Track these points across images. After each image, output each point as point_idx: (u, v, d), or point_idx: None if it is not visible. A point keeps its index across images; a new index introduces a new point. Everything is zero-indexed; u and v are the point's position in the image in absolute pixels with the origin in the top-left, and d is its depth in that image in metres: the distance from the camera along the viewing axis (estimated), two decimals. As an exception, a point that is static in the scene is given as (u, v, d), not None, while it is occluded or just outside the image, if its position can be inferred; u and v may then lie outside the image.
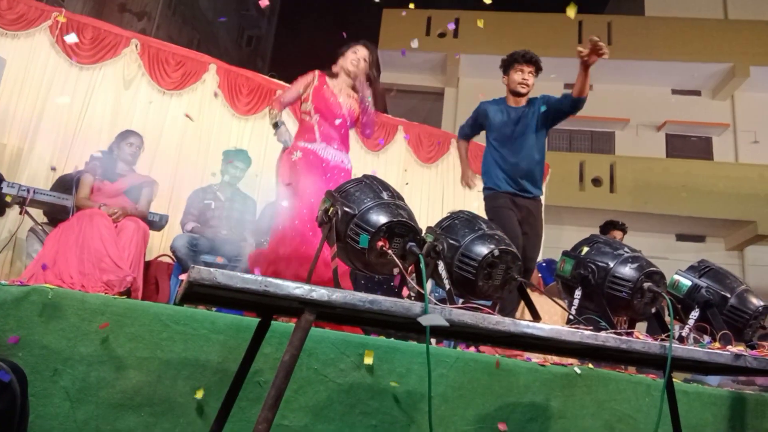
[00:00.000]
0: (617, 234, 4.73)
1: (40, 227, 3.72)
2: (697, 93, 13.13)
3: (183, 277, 1.17)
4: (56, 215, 3.67)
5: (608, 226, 4.91)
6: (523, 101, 3.33)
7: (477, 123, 3.46)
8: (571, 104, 3.18)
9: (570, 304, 1.62)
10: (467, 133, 3.58)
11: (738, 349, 1.54)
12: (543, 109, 3.25)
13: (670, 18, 12.91)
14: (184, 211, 4.11)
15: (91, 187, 3.64)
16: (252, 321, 1.71)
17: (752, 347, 1.64)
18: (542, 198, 3.40)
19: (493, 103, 3.40)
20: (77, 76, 4.87)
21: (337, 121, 3.04)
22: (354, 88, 3.14)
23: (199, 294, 1.24)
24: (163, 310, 1.71)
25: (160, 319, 1.69)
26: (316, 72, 3.13)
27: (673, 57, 12.34)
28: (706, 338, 1.71)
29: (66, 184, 3.84)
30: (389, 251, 1.26)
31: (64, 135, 4.76)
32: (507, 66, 3.36)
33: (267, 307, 1.38)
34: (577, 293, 1.59)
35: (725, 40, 12.21)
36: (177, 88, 5.21)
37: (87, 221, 3.24)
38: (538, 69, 3.33)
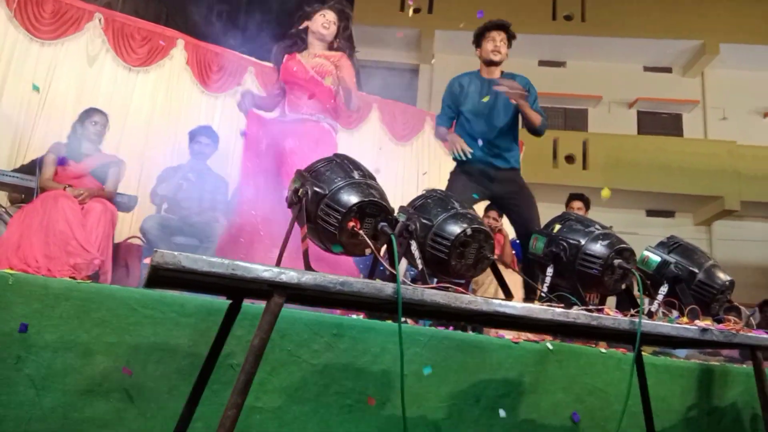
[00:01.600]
0: (576, 204, 4.77)
1: (3, 209, 3.60)
2: (668, 70, 13.30)
3: (148, 261, 1.14)
4: (23, 199, 3.56)
5: (569, 199, 4.98)
6: (497, 72, 3.22)
7: (453, 98, 3.29)
8: (530, 130, 3.19)
9: (542, 282, 1.63)
10: (449, 115, 3.32)
11: (705, 323, 1.57)
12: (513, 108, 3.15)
13: (643, -5, 12.98)
14: (152, 189, 4.01)
15: (56, 167, 3.52)
16: (223, 304, 1.68)
17: (719, 321, 1.67)
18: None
19: (464, 75, 3.32)
20: (38, 53, 4.68)
21: (307, 85, 2.96)
22: (331, 48, 3.08)
23: (166, 278, 1.20)
24: (131, 294, 1.66)
25: (127, 304, 1.64)
26: (274, 52, 3.09)
27: (645, 34, 12.45)
28: (675, 313, 1.74)
29: (30, 167, 3.72)
30: (361, 232, 1.24)
31: (27, 114, 4.59)
32: (478, 37, 3.27)
33: (236, 289, 1.36)
34: (549, 270, 1.60)
35: (696, 17, 12.35)
36: (144, 64, 5.05)
37: (51, 203, 3.14)
38: (510, 37, 3.24)
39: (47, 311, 1.58)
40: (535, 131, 3.13)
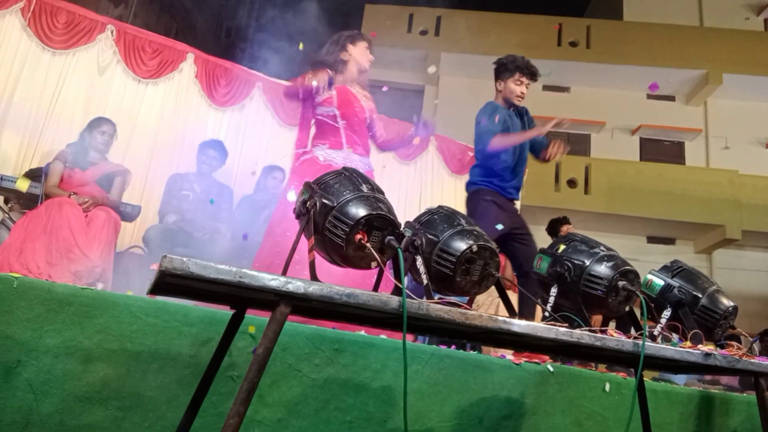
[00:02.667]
0: (566, 227, 4.86)
1: (7, 215, 3.61)
2: (672, 98, 13.41)
3: (155, 266, 1.14)
4: (29, 205, 3.57)
5: (557, 224, 5.03)
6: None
7: (502, 121, 3.21)
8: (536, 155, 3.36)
9: (546, 302, 1.62)
10: (496, 130, 3.19)
11: (708, 348, 1.56)
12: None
13: (648, 23, 13.16)
14: (162, 199, 4.03)
15: (61, 175, 3.54)
16: (225, 314, 1.68)
17: (722, 347, 1.67)
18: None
19: (499, 106, 3.25)
20: (49, 62, 4.74)
21: (361, 127, 2.95)
22: (362, 86, 3.05)
23: (171, 285, 1.21)
24: (133, 302, 1.66)
25: (129, 311, 1.64)
26: (328, 74, 2.85)
27: (649, 62, 12.58)
28: (676, 337, 1.74)
29: (36, 174, 3.74)
30: (367, 245, 1.24)
31: (35, 122, 4.62)
32: (505, 72, 3.21)
33: (241, 299, 1.36)
34: (553, 290, 1.60)
35: (700, 47, 12.50)
36: (153, 76, 5.11)
37: (56, 210, 3.16)
38: (531, 80, 3.27)
39: (50, 316, 1.57)
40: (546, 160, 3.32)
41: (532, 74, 3.17)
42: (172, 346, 1.66)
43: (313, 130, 2.99)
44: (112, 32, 4.98)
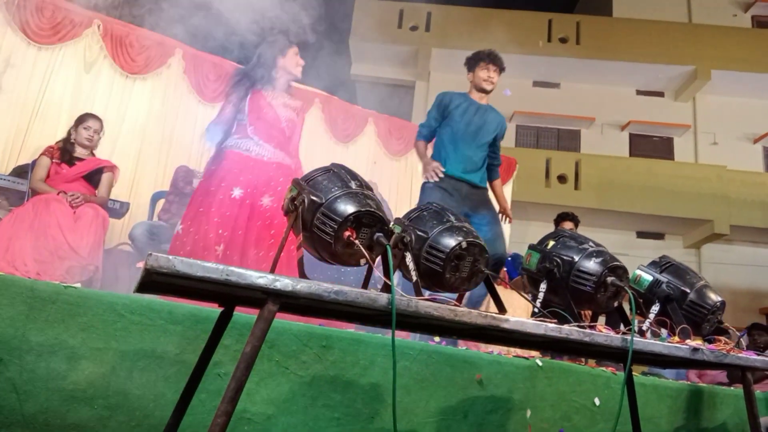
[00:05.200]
0: (567, 225, 4.82)
1: (-8, 212, 3.57)
2: (661, 94, 13.48)
3: (140, 264, 1.12)
4: (16, 202, 3.53)
5: (560, 218, 5.00)
6: (485, 99, 3.43)
7: (440, 110, 3.40)
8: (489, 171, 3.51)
9: (535, 298, 1.62)
10: (432, 126, 3.44)
11: (696, 343, 1.57)
12: (494, 135, 3.42)
13: (637, 20, 13.21)
14: (168, 190, 4.00)
15: (48, 170, 3.49)
16: (212, 312, 1.67)
17: (709, 341, 1.68)
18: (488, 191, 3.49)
19: (455, 93, 3.45)
20: (35, 57, 4.67)
21: (278, 132, 2.94)
22: (291, 91, 3.06)
23: (159, 283, 1.19)
24: (118, 300, 1.64)
25: (114, 309, 1.62)
26: (241, 90, 2.94)
27: (639, 58, 12.64)
28: (664, 332, 1.74)
29: (23, 171, 3.70)
30: (356, 241, 1.23)
31: (21, 118, 4.56)
32: (472, 63, 3.43)
33: (229, 297, 1.34)
34: (543, 286, 1.60)
35: (689, 43, 12.57)
36: (141, 72, 5.06)
37: (43, 207, 3.11)
38: (501, 69, 3.42)
39: (33, 314, 1.55)
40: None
41: (493, 59, 3.36)
42: (157, 344, 1.64)
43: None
44: (99, 27, 4.92)
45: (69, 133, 3.68)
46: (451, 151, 3.30)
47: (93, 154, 3.73)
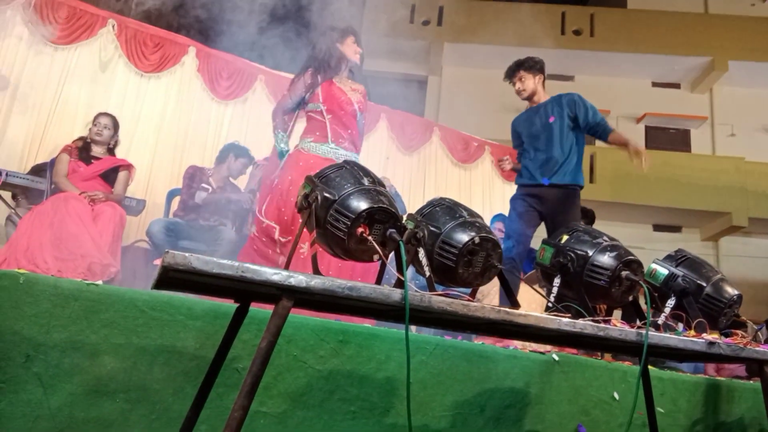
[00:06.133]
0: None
1: (14, 210, 3.64)
2: (677, 86, 13.30)
3: (157, 262, 1.15)
4: (35, 200, 3.59)
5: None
6: (539, 100, 3.49)
7: (515, 136, 3.62)
8: (599, 135, 3.50)
9: (549, 292, 1.63)
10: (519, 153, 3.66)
11: (712, 336, 1.56)
12: (568, 116, 3.43)
13: (652, 11, 13.02)
14: (182, 189, 4.06)
15: (68, 167, 3.55)
16: (230, 307, 1.69)
17: (726, 335, 1.67)
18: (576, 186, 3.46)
19: (520, 114, 3.59)
20: (52, 57, 4.75)
21: (349, 119, 3.02)
22: (353, 78, 3.15)
23: (175, 279, 1.21)
24: (139, 296, 1.67)
25: (135, 305, 1.65)
26: (311, 71, 3.03)
27: (654, 50, 12.47)
28: (680, 326, 1.74)
29: (41, 169, 3.76)
30: (369, 237, 1.24)
31: (38, 117, 4.64)
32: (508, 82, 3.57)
33: (245, 293, 1.37)
34: (556, 281, 1.60)
35: (705, 34, 12.37)
36: (155, 70, 5.11)
37: (62, 205, 3.17)
38: (526, 71, 3.45)
39: (57, 311, 1.59)
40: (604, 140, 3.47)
41: (510, 75, 3.51)
42: (177, 339, 1.67)
43: (303, 126, 3.10)
44: (113, 26, 4.98)
45: (88, 132, 3.75)
46: (528, 161, 3.43)
47: (110, 153, 3.79)
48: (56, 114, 4.71)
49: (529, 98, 3.49)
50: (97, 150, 3.70)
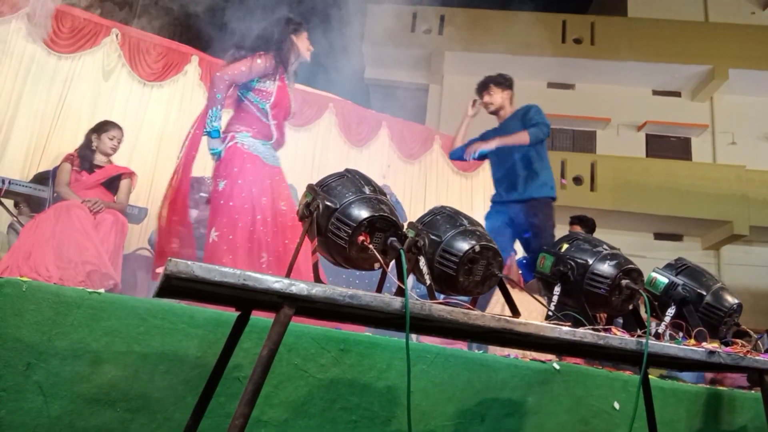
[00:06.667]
0: (576, 228, 4.79)
1: (16, 218, 3.65)
2: (677, 94, 13.35)
3: (160, 270, 1.15)
4: (38, 208, 3.60)
5: (570, 222, 4.96)
6: (506, 115, 3.54)
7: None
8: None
9: (549, 301, 1.63)
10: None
11: (713, 345, 1.57)
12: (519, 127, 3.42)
13: (653, 20, 13.09)
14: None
15: (70, 176, 3.57)
16: (232, 316, 1.70)
17: (726, 344, 1.67)
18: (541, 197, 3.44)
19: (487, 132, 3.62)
20: (55, 66, 4.78)
21: (282, 126, 2.90)
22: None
23: (177, 287, 1.22)
24: (141, 304, 1.68)
25: (137, 313, 1.66)
26: (272, 59, 2.77)
27: (655, 58, 12.53)
28: (680, 334, 1.74)
29: (44, 177, 3.78)
30: (370, 246, 1.25)
31: (41, 126, 4.67)
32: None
33: (246, 301, 1.37)
34: (557, 290, 1.61)
35: (705, 42, 12.43)
36: (158, 79, 5.14)
37: (64, 213, 3.18)
38: (495, 86, 3.54)
39: (59, 319, 1.59)
40: (533, 143, 3.35)
41: (478, 92, 3.59)
42: (179, 347, 1.67)
43: (231, 111, 2.85)
44: (117, 36, 5.02)
45: (89, 140, 3.75)
46: (497, 178, 3.53)
47: (111, 161, 3.81)
48: (59, 122, 4.74)
49: (496, 112, 3.56)
50: (99, 158, 3.72)
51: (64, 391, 1.56)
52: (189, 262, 1.06)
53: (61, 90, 4.79)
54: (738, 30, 12.62)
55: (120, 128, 3.82)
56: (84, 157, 3.66)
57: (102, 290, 1.67)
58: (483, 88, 3.57)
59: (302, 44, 2.91)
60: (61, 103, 4.77)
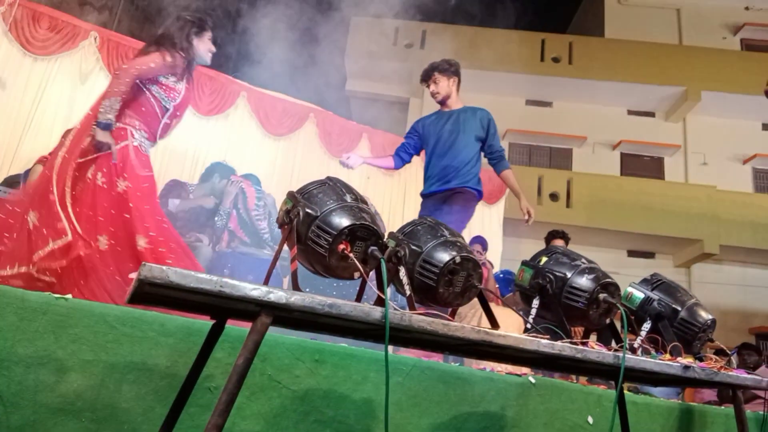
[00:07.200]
0: (559, 242, 4.85)
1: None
2: (651, 114, 13.65)
3: (133, 275, 1.12)
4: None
5: (551, 236, 5.03)
6: (453, 106, 3.45)
7: (414, 135, 3.55)
8: (494, 163, 3.45)
9: (527, 314, 1.63)
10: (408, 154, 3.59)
11: (687, 360, 1.58)
12: (479, 134, 3.37)
13: (628, 41, 13.40)
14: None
15: (40, 181, 3.48)
16: (204, 324, 1.66)
17: (700, 359, 1.68)
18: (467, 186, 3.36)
19: (426, 116, 3.56)
20: (31, 67, 4.68)
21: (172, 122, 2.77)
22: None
23: (150, 294, 1.18)
24: (110, 311, 1.63)
25: (105, 320, 1.61)
26: (180, 61, 2.65)
27: (630, 78, 12.81)
28: (652, 348, 1.75)
29: (14, 181, 3.68)
30: (351, 255, 1.23)
31: (14, 128, 4.56)
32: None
33: (222, 309, 1.34)
34: (535, 302, 1.60)
35: (679, 64, 12.75)
36: (136, 84, 5.06)
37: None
38: (440, 74, 3.41)
39: (23, 325, 1.53)
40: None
41: (424, 80, 3.47)
42: (148, 356, 1.62)
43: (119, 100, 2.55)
44: (95, 39, 4.94)
45: (63, 143, 3.66)
46: (428, 167, 3.39)
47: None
48: (33, 125, 4.63)
49: (443, 102, 3.45)
50: (72, 162, 3.63)
51: (26, 400, 1.50)
52: (164, 267, 1.03)
53: (36, 92, 4.68)
54: (711, 54, 13.00)
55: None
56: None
57: (69, 296, 1.61)
58: (427, 77, 3.44)
59: (203, 46, 2.77)
60: (35, 106, 4.66)
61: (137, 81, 2.56)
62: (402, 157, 3.54)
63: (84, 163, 2.48)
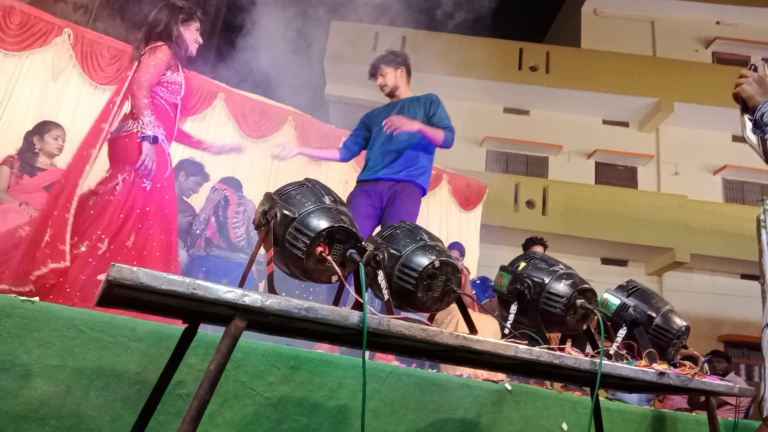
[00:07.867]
0: (538, 248, 4.89)
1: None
2: (626, 124, 13.92)
3: (102, 276, 1.08)
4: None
5: (530, 243, 5.05)
6: (402, 95, 3.38)
7: (362, 128, 3.46)
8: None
9: (505, 319, 1.62)
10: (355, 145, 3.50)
11: (662, 367, 1.59)
12: (425, 115, 3.25)
13: (604, 52, 13.66)
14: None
15: (9, 180, 3.38)
16: (177, 329, 1.61)
17: (674, 366, 1.70)
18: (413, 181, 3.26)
19: (376, 109, 3.46)
20: (0, 63, 4.55)
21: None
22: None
23: (120, 297, 1.14)
24: (78, 315, 1.57)
25: (73, 324, 1.55)
26: (169, 52, 2.57)
27: (605, 89, 13.05)
28: (626, 354, 1.76)
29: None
30: (329, 257, 1.21)
31: (-20, 124, 4.42)
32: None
33: (194, 313, 1.30)
34: (513, 308, 1.60)
35: (653, 76, 13.03)
36: (110, 82, 4.95)
37: (1, 218, 3.00)
38: (387, 66, 3.35)
39: (-15, 329, 1.47)
40: (442, 146, 3.22)
41: (371, 75, 3.40)
42: (117, 362, 1.57)
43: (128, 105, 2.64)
44: (69, 36, 4.82)
45: (31, 143, 3.57)
46: (371, 153, 3.29)
47: (54, 165, 3.63)
48: (2, 121, 4.49)
49: (391, 93, 3.36)
50: (43, 161, 3.54)
51: (-12, 407, 1.44)
52: (134, 268, 0.99)
53: (5, 88, 4.54)
54: (683, 66, 13.32)
55: (61, 127, 3.65)
56: (25, 160, 3.48)
57: (36, 298, 1.55)
58: (374, 71, 3.36)
59: (190, 35, 2.71)
60: (5, 102, 4.53)
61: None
62: (349, 148, 3.46)
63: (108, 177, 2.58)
